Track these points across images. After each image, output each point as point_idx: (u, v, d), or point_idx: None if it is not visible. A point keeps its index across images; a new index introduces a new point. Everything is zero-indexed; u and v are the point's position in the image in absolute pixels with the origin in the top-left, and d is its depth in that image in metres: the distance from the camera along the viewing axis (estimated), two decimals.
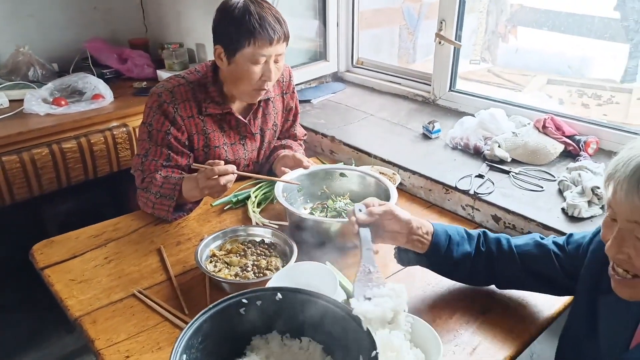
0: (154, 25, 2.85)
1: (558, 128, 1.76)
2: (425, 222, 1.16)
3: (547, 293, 1.19)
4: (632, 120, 2.25)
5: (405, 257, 1.20)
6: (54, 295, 1.26)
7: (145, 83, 2.48)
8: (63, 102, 2.15)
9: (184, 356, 0.84)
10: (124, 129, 2.13)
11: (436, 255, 1.14)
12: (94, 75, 2.41)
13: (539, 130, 1.76)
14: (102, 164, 2.11)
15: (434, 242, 1.13)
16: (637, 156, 0.77)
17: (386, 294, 0.94)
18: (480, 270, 1.17)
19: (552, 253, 1.11)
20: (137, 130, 2.27)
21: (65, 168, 2.03)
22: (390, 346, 0.97)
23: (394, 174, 1.73)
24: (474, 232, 1.20)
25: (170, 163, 1.55)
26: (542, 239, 1.16)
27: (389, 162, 1.80)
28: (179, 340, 0.84)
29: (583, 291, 1.03)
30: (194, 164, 1.44)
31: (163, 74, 2.48)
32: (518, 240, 1.17)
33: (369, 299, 0.94)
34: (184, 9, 2.57)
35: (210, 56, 2.48)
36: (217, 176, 1.34)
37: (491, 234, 1.19)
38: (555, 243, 1.13)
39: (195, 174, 1.42)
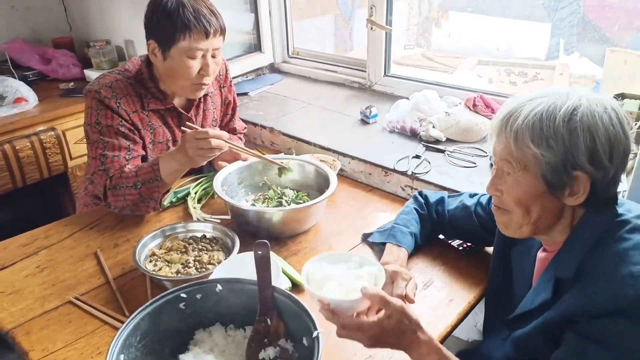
0: (78, 23, 2.72)
1: (487, 106, 1.83)
2: (403, 258, 1.25)
3: (476, 245, 1.36)
4: None
5: None
6: None
7: (72, 84, 2.36)
8: None
9: (122, 356, 0.81)
10: (52, 133, 2.03)
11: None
12: (15, 78, 2.28)
13: (470, 109, 1.83)
14: (31, 171, 2.00)
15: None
16: (507, 105, 0.91)
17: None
18: (430, 232, 1.35)
19: (473, 214, 1.26)
20: (67, 133, 2.17)
21: None
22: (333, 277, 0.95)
23: (334, 160, 1.74)
24: (416, 206, 1.35)
25: (132, 155, 1.47)
26: (471, 197, 1.30)
27: (329, 149, 1.81)
28: (115, 340, 0.81)
29: (498, 245, 1.15)
30: (186, 122, 1.41)
31: (91, 74, 2.38)
32: (451, 205, 1.33)
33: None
34: (108, 5, 2.47)
35: (140, 52, 2.40)
36: (207, 138, 1.32)
37: (432, 199, 1.35)
38: (479, 203, 1.27)
39: (170, 150, 1.36)
